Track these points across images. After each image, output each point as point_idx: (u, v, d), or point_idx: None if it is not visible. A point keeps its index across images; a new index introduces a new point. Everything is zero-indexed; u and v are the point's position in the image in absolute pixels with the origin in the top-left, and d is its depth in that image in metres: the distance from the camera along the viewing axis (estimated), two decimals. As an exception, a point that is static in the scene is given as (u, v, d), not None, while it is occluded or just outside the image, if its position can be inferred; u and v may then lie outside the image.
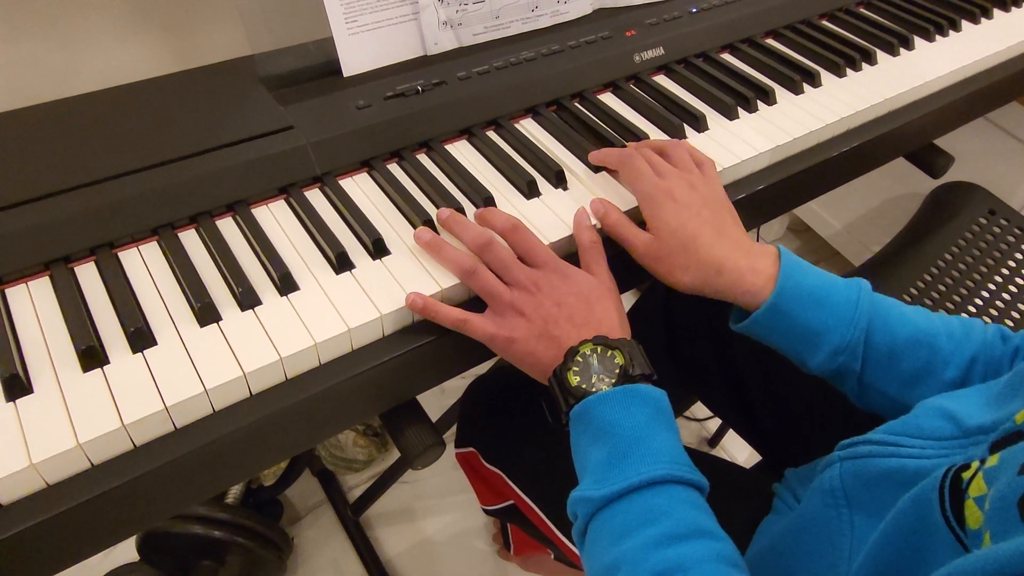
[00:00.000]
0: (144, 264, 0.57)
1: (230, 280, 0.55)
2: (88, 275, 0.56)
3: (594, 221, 0.62)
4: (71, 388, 0.48)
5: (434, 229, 0.60)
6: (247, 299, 0.54)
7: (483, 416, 0.82)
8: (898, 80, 0.84)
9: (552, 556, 1.08)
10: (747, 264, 0.58)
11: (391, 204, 0.64)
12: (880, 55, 0.88)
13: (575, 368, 0.52)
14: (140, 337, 0.51)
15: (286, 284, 0.55)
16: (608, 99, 0.78)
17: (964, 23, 0.96)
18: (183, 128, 0.64)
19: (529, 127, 0.73)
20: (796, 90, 0.81)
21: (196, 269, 0.56)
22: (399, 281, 0.57)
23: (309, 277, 0.57)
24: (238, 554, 1.08)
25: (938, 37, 0.93)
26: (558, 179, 0.66)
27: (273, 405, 0.51)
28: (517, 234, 0.58)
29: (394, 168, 0.66)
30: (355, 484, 1.35)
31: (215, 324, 0.53)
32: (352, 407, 0.56)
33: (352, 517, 1.26)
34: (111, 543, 0.50)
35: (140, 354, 0.51)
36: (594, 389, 0.51)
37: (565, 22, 0.82)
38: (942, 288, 0.93)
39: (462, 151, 0.70)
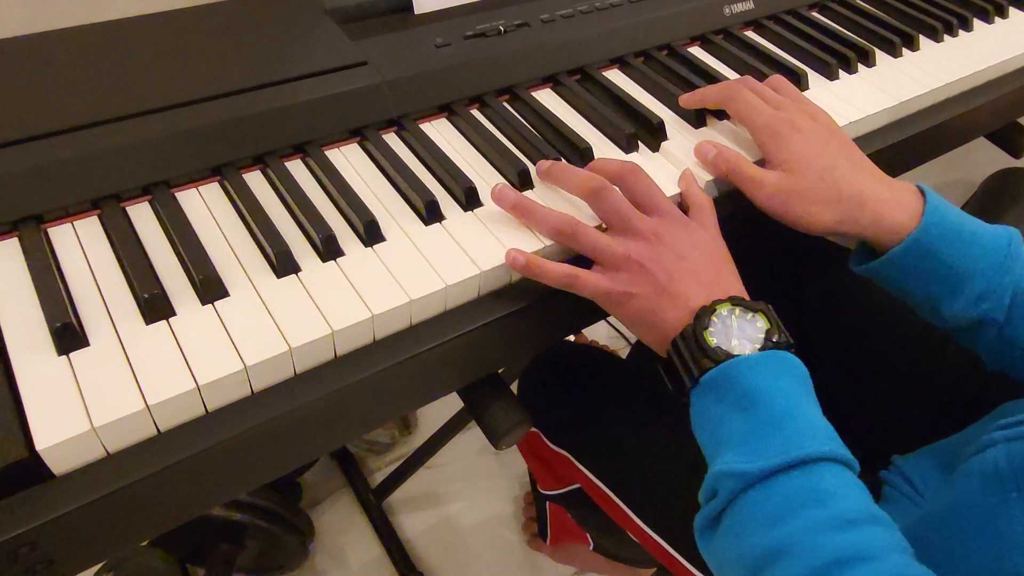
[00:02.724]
0: (207, 207, 0.50)
1: (307, 226, 0.48)
2: (142, 216, 0.49)
3: (703, 177, 0.56)
4: (133, 342, 0.41)
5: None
6: (330, 248, 0.47)
7: (547, 394, 0.75)
8: (996, 49, 0.78)
9: (591, 547, 1.02)
10: (890, 196, 0.53)
11: (477, 152, 0.57)
12: (976, 22, 0.82)
13: (711, 328, 0.46)
14: (211, 286, 0.44)
15: (371, 233, 0.49)
16: (699, 53, 0.71)
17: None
18: (242, 59, 0.56)
19: (617, 79, 0.66)
20: (895, 53, 0.74)
21: (267, 213, 0.49)
22: (496, 235, 0.50)
23: (395, 227, 0.50)
24: (259, 538, 1.01)
25: (1031, 6, 0.87)
26: (657, 132, 0.60)
27: (358, 371, 0.44)
28: (635, 178, 0.51)
29: (476, 115, 0.60)
30: (375, 468, 1.28)
31: (294, 275, 0.46)
32: (438, 377, 0.50)
33: (375, 502, 1.20)
34: (170, 525, 0.43)
35: (211, 306, 0.44)
36: (736, 352, 0.45)
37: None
38: None
39: (548, 100, 0.63)
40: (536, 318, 0.52)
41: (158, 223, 0.48)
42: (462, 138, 0.58)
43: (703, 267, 0.49)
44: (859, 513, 0.39)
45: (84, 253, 0.46)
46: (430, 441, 1.17)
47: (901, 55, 0.75)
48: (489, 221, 0.51)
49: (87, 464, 0.38)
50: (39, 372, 0.39)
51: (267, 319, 0.43)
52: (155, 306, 0.42)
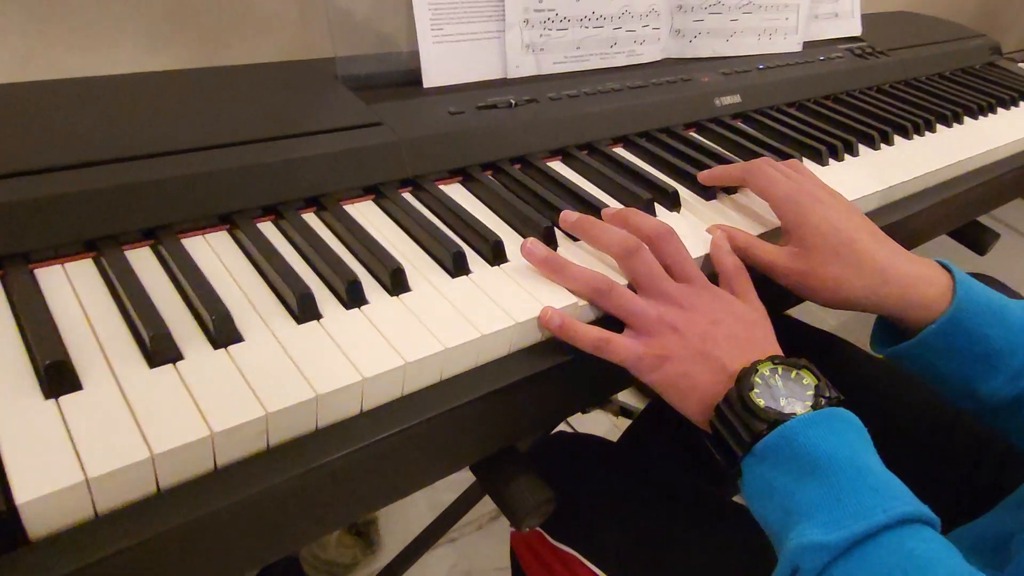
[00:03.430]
0: (215, 254, 0.46)
1: (329, 273, 0.45)
2: (143, 261, 0.44)
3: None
4: (135, 386, 0.36)
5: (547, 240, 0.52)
6: (354, 294, 0.43)
7: (550, 486, 0.70)
8: (967, 145, 0.83)
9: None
10: (916, 271, 0.51)
11: (495, 215, 0.55)
12: (939, 126, 0.88)
13: (756, 390, 0.43)
14: (225, 327, 0.39)
15: (398, 282, 0.45)
16: (697, 137, 0.73)
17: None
18: (254, 113, 0.54)
19: (623, 155, 0.67)
20: (874, 146, 0.78)
21: (284, 258, 0.45)
22: (527, 289, 0.47)
23: (420, 279, 0.47)
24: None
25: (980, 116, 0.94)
26: (672, 202, 0.60)
27: (387, 427, 0.40)
28: (668, 242, 0.50)
29: (490, 181, 0.58)
30: (333, 592, 1.16)
31: (315, 321, 0.42)
32: (460, 444, 0.45)
33: (334, 630, 1.07)
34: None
35: (224, 350, 0.39)
36: (787, 412, 0.42)
37: (639, 64, 0.79)
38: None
39: (561, 171, 0.62)
40: (565, 380, 0.48)
41: (162, 268, 0.44)
42: (478, 201, 0.56)
43: (737, 331, 0.47)
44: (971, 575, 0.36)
45: (77, 295, 0.41)
46: (396, 560, 1.07)
47: (879, 148, 0.78)
48: (517, 276, 0.49)
49: (68, 528, 0.32)
50: (24, 416, 0.33)
51: (288, 364, 0.38)
52: (161, 347, 0.37)
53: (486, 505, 1.08)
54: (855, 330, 1.67)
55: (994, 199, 0.91)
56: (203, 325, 0.40)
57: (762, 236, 0.58)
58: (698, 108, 0.75)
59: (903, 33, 1.10)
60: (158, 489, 0.34)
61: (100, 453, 0.32)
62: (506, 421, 0.46)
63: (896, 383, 0.76)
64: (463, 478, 0.72)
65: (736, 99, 0.78)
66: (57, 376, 0.34)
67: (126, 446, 0.33)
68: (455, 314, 0.44)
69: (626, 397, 1.47)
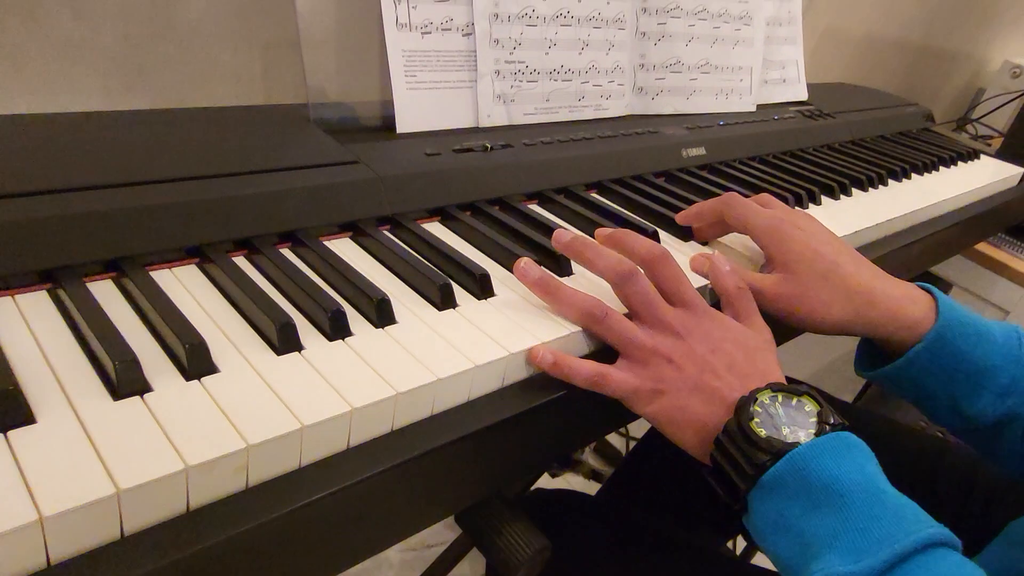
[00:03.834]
0: (184, 287, 0.42)
1: (309, 304, 0.42)
2: (105, 294, 0.40)
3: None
4: (98, 420, 0.32)
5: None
6: (337, 324, 0.40)
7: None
8: (918, 196, 0.86)
9: None
10: (901, 292, 0.52)
11: (478, 251, 0.54)
12: (891, 181, 0.91)
13: (756, 419, 0.42)
14: (199, 356, 0.36)
15: (383, 313, 0.43)
16: (668, 185, 0.74)
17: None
18: (228, 149, 0.52)
19: (599, 199, 0.67)
20: (835, 196, 0.80)
21: (261, 288, 0.42)
22: (517, 322, 0.45)
23: (406, 312, 0.44)
24: None
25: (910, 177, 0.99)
26: (655, 239, 0.59)
27: (372, 466, 0.36)
28: (663, 265, 0.48)
29: (471, 220, 0.57)
30: None
31: (296, 353, 0.39)
32: (454, 482, 0.42)
33: None
34: None
35: (197, 382, 0.35)
36: (790, 441, 0.40)
37: (607, 118, 0.80)
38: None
39: (541, 212, 0.62)
40: (561, 415, 0.45)
41: (126, 301, 0.40)
42: (460, 239, 0.55)
43: (736, 359, 0.46)
44: None
45: (30, 328, 0.37)
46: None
47: (839, 198, 0.80)
48: (507, 309, 0.47)
49: (17, 580, 0.27)
50: (-33, 451, 0.29)
51: (269, 394, 0.35)
52: (128, 376, 0.33)
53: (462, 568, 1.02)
54: (827, 379, 1.67)
55: (943, 251, 0.95)
56: (174, 357, 0.36)
57: (743, 274, 0.58)
58: (666, 158, 0.76)
59: (846, 100, 1.16)
60: (122, 534, 0.30)
61: (56, 490, 0.28)
62: (500, 459, 0.43)
63: (875, 430, 0.76)
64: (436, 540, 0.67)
65: (701, 151, 0.80)
66: (5, 408, 0.30)
67: (87, 482, 0.29)
68: (445, 345, 0.42)
69: (597, 461, 1.43)
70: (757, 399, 0.42)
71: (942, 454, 0.72)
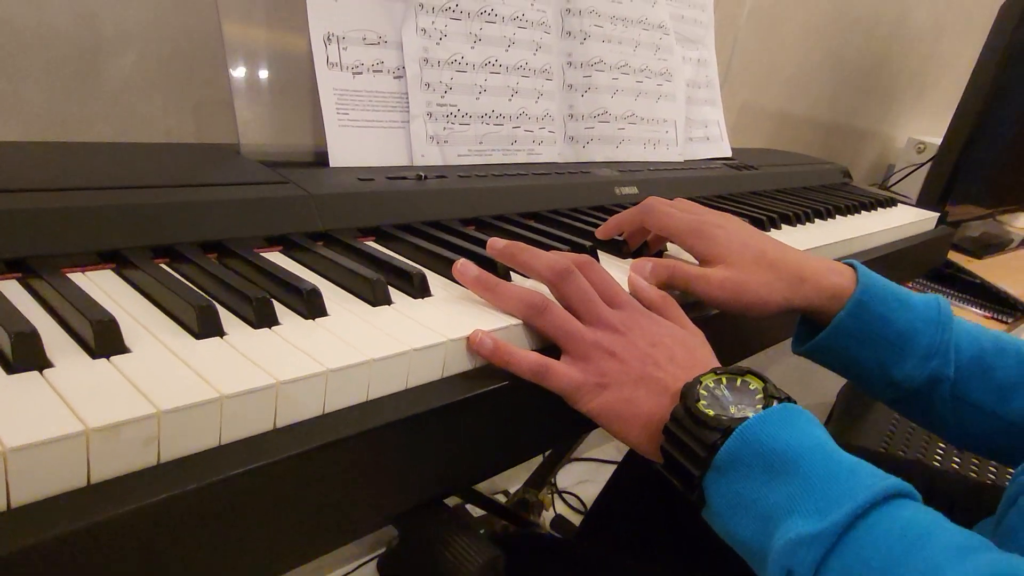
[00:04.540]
0: (98, 287, 0.40)
1: (232, 299, 0.40)
2: (8, 289, 0.38)
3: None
4: (-14, 389, 0.29)
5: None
6: (263, 313, 0.38)
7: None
8: (846, 231, 0.90)
9: None
10: (825, 265, 0.55)
11: (414, 263, 0.52)
12: (817, 219, 0.95)
13: (703, 401, 0.40)
14: (108, 334, 0.33)
15: (314, 305, 0.41)
16: (605, 216, 0.75)
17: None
18: (151, 166, 0.51)
19: (537, 225, 0.67)
20: (765, 228, 0.83)
21: (182, 281, 0.40)
22: (454, 316, 0.44)
23: (337, 308, 0.42)
24: None
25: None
26: (594, 256, 0.59)
27: (300, 444, 0.33)
28: (592, 270, 0.48)
29: (407, 237, 0.56)
30: None
31: (218, 338, 0.36)
32: (386, 480, 0.39)
33: None
34: None
35: (105, 359, 0.32)
36: (739, 416, 0.39)
37: (537, 162, 0.82)
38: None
39: (478, 233, 0.61)
40: (506, 410, 0.43)
41: (31, 297, 0.37)
42: (397, 254, 0.54)
43: (677, 352, 0.46)
44: (970, 540, 0.33)
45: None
46: None
47: (795, 226, 0.83)
48: (445, 305, 0.45)
49: None
50: None
51: (185, 370, 0.32)
52: (24, 349, 0.30)
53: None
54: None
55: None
56: (80, 339, 0.34)
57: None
58: (601, 194, 0.78)
59: (769, 158, 1.22)
60: (8, 505, 0.26)
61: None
62: (442, 453, 0.40)
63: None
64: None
65: (634, 190, 0.82)
66: None
67: (-33, 442, 0.25)
68: (380, 334, 0.40)
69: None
70: (702, 382, 0.42)
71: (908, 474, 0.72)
